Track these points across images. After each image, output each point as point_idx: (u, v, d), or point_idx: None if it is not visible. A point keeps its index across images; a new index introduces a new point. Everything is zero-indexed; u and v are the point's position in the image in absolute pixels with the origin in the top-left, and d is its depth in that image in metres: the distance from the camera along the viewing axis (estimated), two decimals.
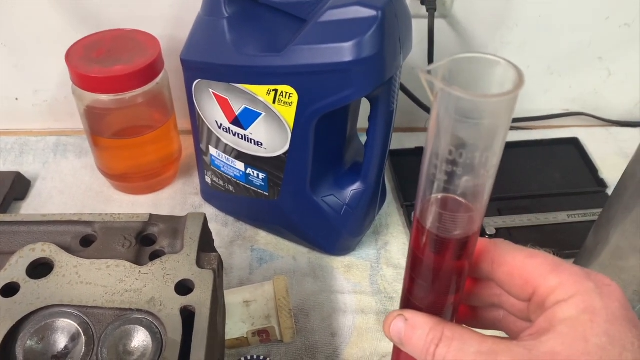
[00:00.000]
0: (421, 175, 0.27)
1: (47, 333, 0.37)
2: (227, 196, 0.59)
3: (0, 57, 0.67)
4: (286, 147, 0.49)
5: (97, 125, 0.59)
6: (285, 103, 0.46)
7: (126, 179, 0.64)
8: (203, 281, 0.39)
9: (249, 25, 0.48)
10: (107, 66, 0.54)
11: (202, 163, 0.59)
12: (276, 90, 0.46)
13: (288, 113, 0.47)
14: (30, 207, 0.62)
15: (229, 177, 0.57)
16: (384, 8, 0.41)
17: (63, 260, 0.40)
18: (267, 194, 0.55)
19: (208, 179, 0.60)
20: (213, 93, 0.50)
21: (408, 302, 0.32)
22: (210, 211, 0.63)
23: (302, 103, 0.46)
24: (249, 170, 0.54)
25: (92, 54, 0.55)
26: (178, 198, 0.65)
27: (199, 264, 0.40)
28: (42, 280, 0.39)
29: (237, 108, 0.49)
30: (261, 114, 0.48)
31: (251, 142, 0.51)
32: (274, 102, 0.47)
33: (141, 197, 0.64)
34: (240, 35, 0.47)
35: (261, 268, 0.57)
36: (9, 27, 0.65)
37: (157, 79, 0.57)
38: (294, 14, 0.47)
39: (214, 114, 0.52)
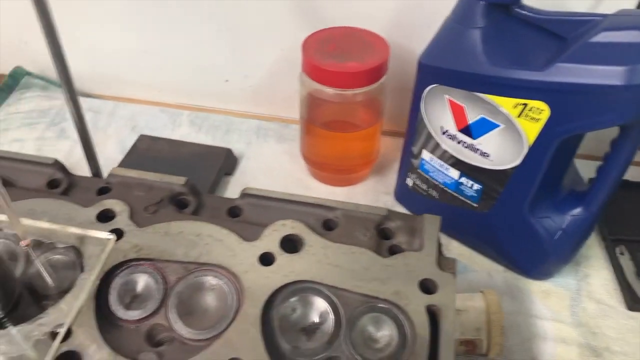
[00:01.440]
0: None
1: (299, 306, 0.39)
2: (426, 200, 0.60)
3: (221, 41, 0.73)
4: (517, 162, 0.49)
5: (312, 112, 0.62)
6: (532, 118, 0.46)
7: (325, 169, 0.66)
8: (446, 283, 0.39)
9: (502, 37, 0.47)
10: (340, 61, 0.56)
11: (407, 165, 0.60)
12: (525, 105, 0.45)
13: (532, 128, 0.46)
14: (238, 183, 0.67)
15: (436, 183, 0.57)
16: None
17: (312, 240, 0.42)
18: (476, 205, 0.55)
19: (410, 181, 0.61)
20: (448, 99, 0.51)
21: None
22: None
23: (552, 120, 0.45)
24: (463, 179, 0.54)
25: (325, 48, 0.58)
26: (370, 195, 0.66)
27: (440, 265, 0.41)
28: (294, 255, 0.41)
29: (473, 117, 0.49)
30: (499, 125, 0.48)
31: (476, 152, 0.51)
32: (519, 115, 0.46)
33: (336, 188, 0.67)
34: (493, 46, 0.47)
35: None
36: (235, 14, 0.70)
37: (381, 81, 0.58)
38: (553, 31, 0.46)
39: (441, 120, 0.53)
